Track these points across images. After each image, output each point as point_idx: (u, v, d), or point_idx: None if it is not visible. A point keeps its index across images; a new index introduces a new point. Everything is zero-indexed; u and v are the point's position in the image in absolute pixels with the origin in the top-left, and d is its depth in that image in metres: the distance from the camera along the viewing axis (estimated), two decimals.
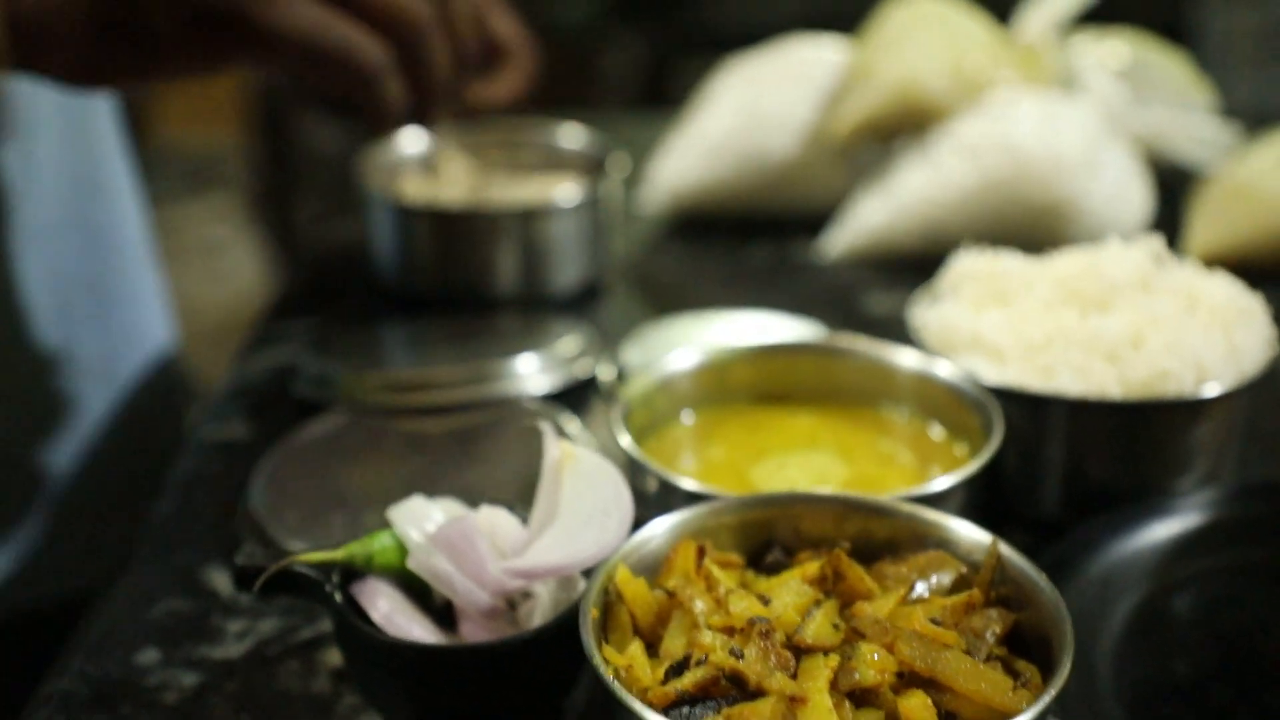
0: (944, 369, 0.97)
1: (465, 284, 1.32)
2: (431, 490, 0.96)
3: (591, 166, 1.43)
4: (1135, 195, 1.44)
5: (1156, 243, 1.03)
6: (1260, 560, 0.92)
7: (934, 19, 1.54)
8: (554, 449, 0.84)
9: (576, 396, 1.14)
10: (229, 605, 0.92)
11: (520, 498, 0.96)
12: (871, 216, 1.45)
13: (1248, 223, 1.39)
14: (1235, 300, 0.99)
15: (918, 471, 0.94)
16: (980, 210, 1.40)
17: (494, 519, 0.81)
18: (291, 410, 1.15)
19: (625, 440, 0.91)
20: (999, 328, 1.00)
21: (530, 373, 1.12)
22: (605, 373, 1.16)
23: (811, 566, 0.77)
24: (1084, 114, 1.43)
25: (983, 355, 0.99)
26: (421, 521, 0.81)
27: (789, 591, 0.75)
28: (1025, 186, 1.39)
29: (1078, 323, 0.97)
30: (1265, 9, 2.89)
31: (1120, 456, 0.95)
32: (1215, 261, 1.37)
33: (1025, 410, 0.95)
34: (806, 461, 0.95)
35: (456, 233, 1.31)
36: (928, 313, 1.05)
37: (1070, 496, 0.98)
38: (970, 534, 0.79)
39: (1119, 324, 0.96)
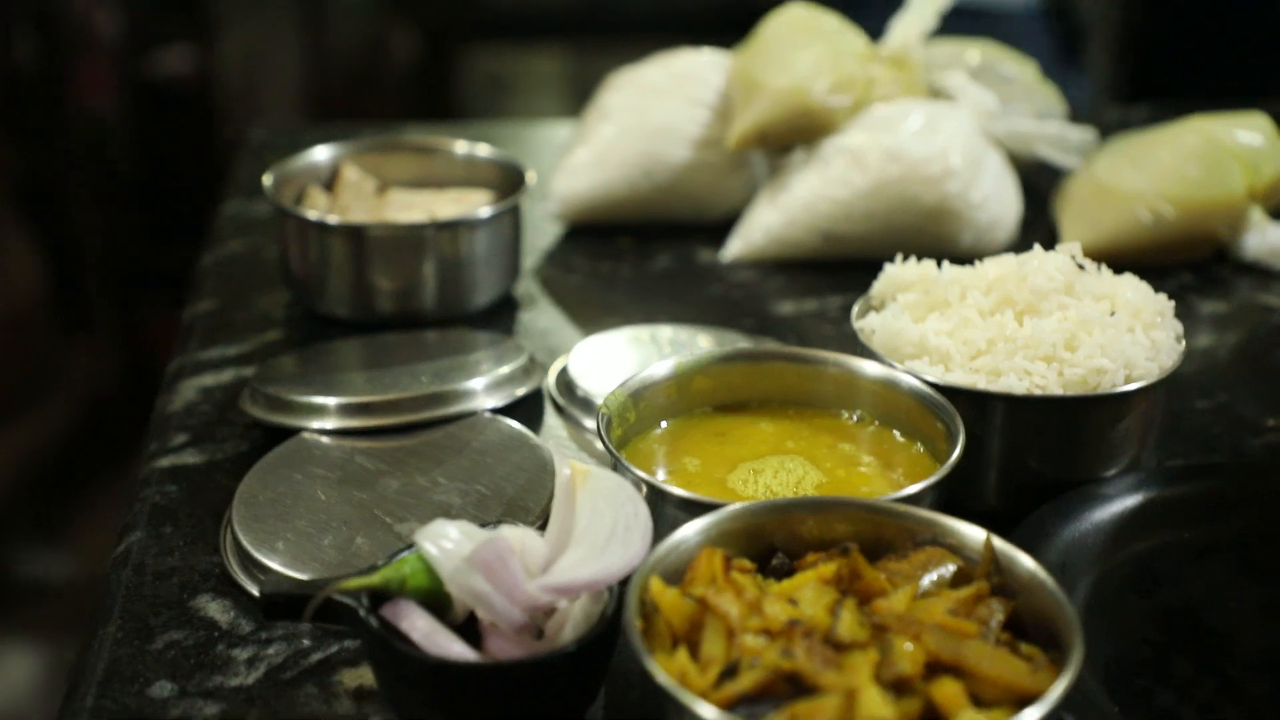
0: (900, 375, 1.04)
1: (390, 301, 1.34)
2: (413, 509, 0.99)
3: (491, 179, 1.46)
4: (1009, 197, 1.53)
5: (1075, 249, 1.11)
6: (1191, 539, 1.01)
7: (812, 29, 1.61)
8: (565, 468, 0.87)
9: (522, 410, 1.17)
10: (231, 633, 0.93)
11: (509, 512, 1.00)
12: (768, 221, 1.51)
13: (1111, 220, 1.50)
14: (1149, 301, 1.09)
15: (883, 473, 1.01)
16: (872, 213, 1.48)
17: (520, 538, 0.85)
18: (239, 434, 1.16)
19: (615, 453, 0.96)
20: (940, 333, 1.07)
21: (482, 389, 1.15)
22: (553, 387, 1.20)
23: (827, 568, 0.83)
24: (962, 120, 1.52)
25: (928, 359, 1.06)
26: (441, 541, 0.84)
27: (811, 593, 0.81)
28: (914, 189, 1.47)
29: (1015, 327, 1.05)
30: None
31: (1057, 449, 1.04)
32: (1087, 257, 1.48)
33: (971, 409, 1.02)
34: (780, 467, 1.01)
35: (380, 250, 1.33)
36: (870, 320, 1.11)
37: (1009, 488, 1.06)
38: (962, 529, 0.85)
39: (1053, 327, 1.04)
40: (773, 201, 1.52)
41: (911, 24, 1.62)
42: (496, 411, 1.14)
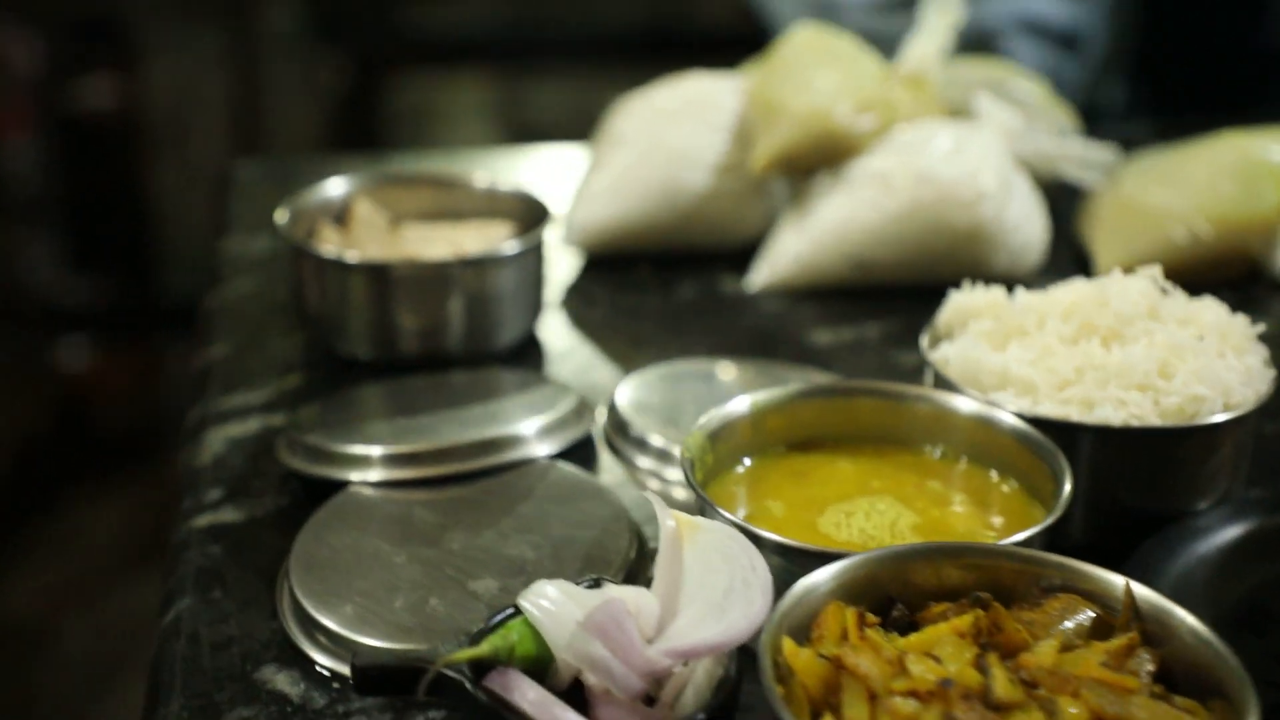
0: (997, 410, 0.99)
1: (414, 340, 1.28)
2: (486, 565, 0.93)
3: (507, 211, 1.40)
4: (1038, 218, 1.50)
5: (1155, 272, 1.07)
6: None
7: (828, 52, 1.57)
8: (668, 519, 0.82)
9: (573, 453, 1.11)
10: (305, 707, 0.86)
11: (588, 565, 0.94)
12: (795, 248, 1.47)
13: (1145, 240, 1.46)
14: (1234, 325, 1.05)
15: (978, 513, 0.96)
16: (903, 238, 1.44)
17: (632, 598, 0.79)
18: (276, 486, 1.09)
19: (710, 501, 0.90)
20: (1023, 362, 1.02)
21: (534, 435, 1.09)
22: (604, 427, 1.14)
23: (961, 620, 0.78)
24: (991, 141, 1.48)
25: (1013, 390, 1.01)
26: (543, 603, 0.78)
27: (951, 648, 0.76)
28: (947, 213, 1.43)
29: (1104, 355, 1.00)
30: None
31: (1151, 481, 0.99)
32: None
33: (1059, 441, 0.97)
34: (870, 509, 0.96)
35: (405, 288, 1.27)
36: (943, 350, 1.07)
37: (1096, 522, 1.01)
38: (1096, 574, 0.81)
39: (1144, 354, 1.00)
40: (799, 228, 1.48)
41: (927, 43, 1.58)
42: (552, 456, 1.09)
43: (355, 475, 1.05)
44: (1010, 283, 1.44)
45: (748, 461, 1.02)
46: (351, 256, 1.28)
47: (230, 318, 1.39)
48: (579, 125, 1.99)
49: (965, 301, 1.11)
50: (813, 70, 1.52)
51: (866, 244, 1.45)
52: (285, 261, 1.40)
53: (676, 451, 1.10)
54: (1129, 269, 1.42)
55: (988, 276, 1.44)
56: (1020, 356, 1.03)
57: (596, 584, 0.82)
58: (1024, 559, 0.82)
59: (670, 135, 1.52)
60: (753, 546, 0.80)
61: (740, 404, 1.01)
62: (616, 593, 0.79)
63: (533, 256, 1.31)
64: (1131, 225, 1.49)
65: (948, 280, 1.44)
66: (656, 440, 1.12)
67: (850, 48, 1.59)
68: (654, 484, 1.11)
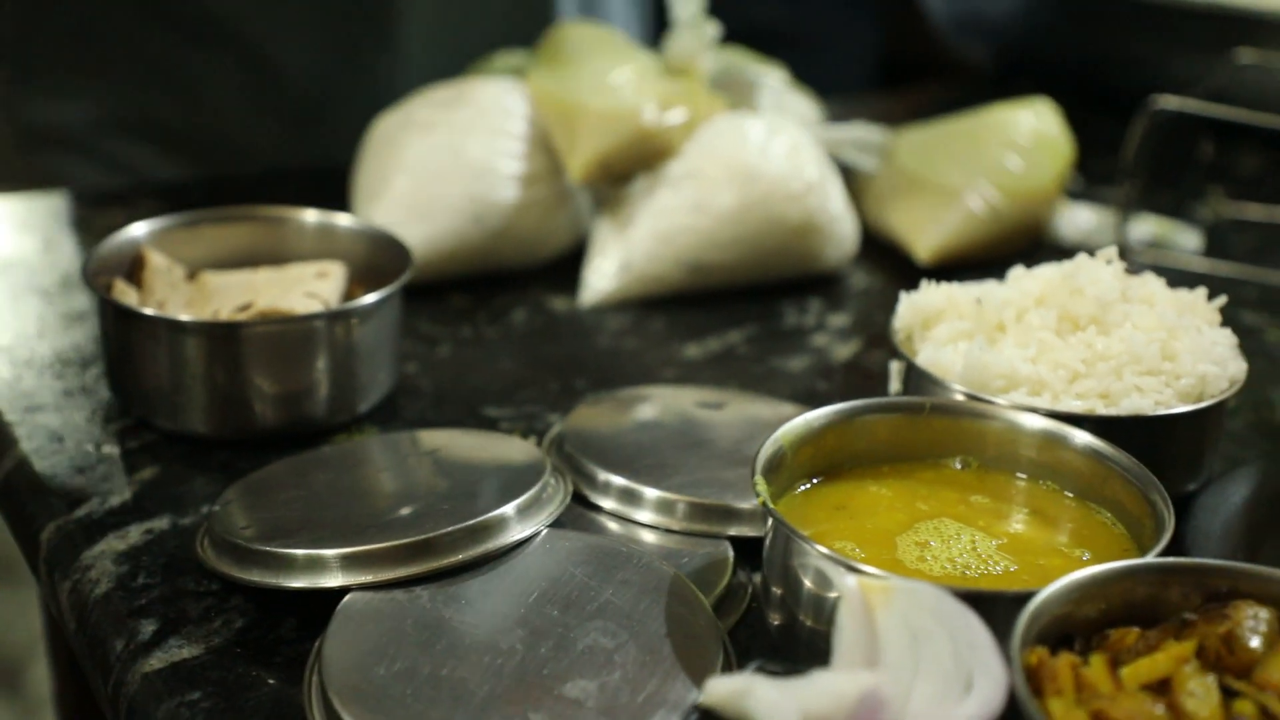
0: (1035, 416, 0.96)
1: (273, 409, 1.10)
2: (575, 665, 0.81)
3: (304, 250, 1.24)
4: (847, 206, 1.48)
5: (1111, 253, 1.07)
6: None
7: (606, 45, 1.49)
8: (849, 582, 0.73)
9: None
10: None
11: (687, 643, 0.84)
12: (626, 259, 1.38)
13: (953, 219, 1.48)
14: (1188, 299, 1.06)
15: (1047, 528, 0.92)
16: (739, 238, 1.39)
17: (856, 686, 0.70)
18: (217, 606, 0.91)
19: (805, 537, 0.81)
20: (1023, 359, 1.00)
21: (516, 512, 0.95)
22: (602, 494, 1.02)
23: (1181, 647, 0.74)
24: (795, 132, 1.45)
25: (1025, 390, 0.99)
26: (777, 709, 0.68)
27: (1197, 685, 0.72)
28: (779, 208, 1.39)
29: (1107, 344, 0.99)
30: None
31: (1179, 465, 0.99)
32: (945, 260, 1.46)
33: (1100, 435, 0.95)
34: (939, 535, 0.90)
35: (260, 349, 1.09)
36: (934, 354, 1.02)
37: None
38: (1258, 572, 0.79)
39: (1144, 339, 0.99)
40: (624, 237, 1.39)
41: (689, 33, 1.53)
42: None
43: (331, 580, 0.88)
44: (835, 275, 1.43)
45: (782, 502, 0.93)
46: (186, 318, 1.09)
47: (16, 406, 1.14)
48: None
49: (922, 301, 1.07)
50: (605, 68, 1.44)
51: (700, 246, 1.38)
52: (92, 326, 1.18)
53: (644, 490, 1.00)
54: (945, 248, 1.45)
55: (819, 269, 1.42)
56: (1021, 354, 1.00)
57: (771, 671, 0.72)
58: (1192, 570, 0.79)
59: (467, 148, 1.39)
60: (962, 605, 0.73)
61: (772, 443, 0.92)
62: (833, 681, 0.70)
63: (394, 304, 1.15)
64: (931, 204, 1.50)
65: (783, 277, 1.41)
66: (619, 481, 1.01)
67: (622, 41, 1.52)
68: (615, 526, 1.00)
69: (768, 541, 0.88)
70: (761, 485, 0.87)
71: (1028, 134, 1.55)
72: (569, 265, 1.42)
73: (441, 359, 1.26)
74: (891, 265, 1.48)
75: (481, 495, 0.94)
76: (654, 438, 1.09)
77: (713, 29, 1.51)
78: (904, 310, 1.08)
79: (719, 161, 1.39)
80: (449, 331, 1.31)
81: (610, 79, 1.42)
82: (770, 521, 0.86)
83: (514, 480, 0.96)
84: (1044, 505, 0.94)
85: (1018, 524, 0.93)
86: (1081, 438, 0.94)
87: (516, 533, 0.92)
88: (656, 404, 1.15)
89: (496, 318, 1.34)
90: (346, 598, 0.87)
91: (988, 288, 1.08)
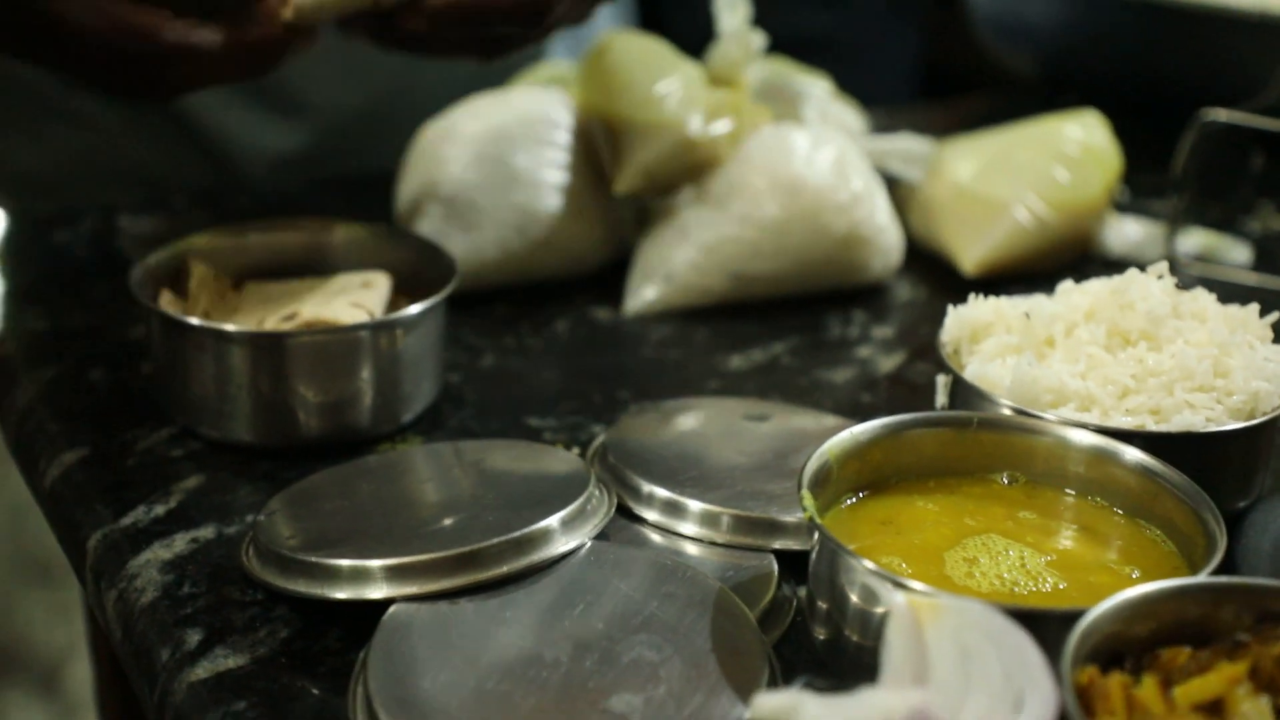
0: (1086, 432, 0.95)
1: (317, 419, 1.11)
2: (621, 678, 0.81)
3: (339, 262, 1.25)
4: (893, 218, 1.47)
5: (1164, 267, 1.06)
6: None
7: (653, 57, 1.48)
8: (898, 599, 0.73)
9: None
10: None
11: (732, 657, 0.83)
12: (671, 268, 1.38)
13: (999, 230, 1.47)
14: (1240, 314, 1.05)
15: (1097, 545, 0.91)
16: (783, 249, 1.38)
17: (907, 704, 0.69)
18: (261, 616, 0.91)
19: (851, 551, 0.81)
20: (1072, 374, 0.99)
21: (560, 524, 0.94)
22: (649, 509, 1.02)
23: (1232, 668, 0.73)
24: (841, 142, 1.44)
25: (1074, 405, 0.98)
26: (795, 717, 0.68)
27: (1247, 704, 0.71)
28: (825, 219, 1.38)
29: (1159, 360, 0.98)
30: None
31: (1227, 483, 0.98)
32: (992, 273, 1.45)
33: (1151, 451, 0.94)
34: (986, 551, 0.89)
35: (306, 359, 1.09)
36: (982, 368, 1.01)
37: None
38: None
39: (1196, 355, 0.98)
40: (669, 247, 1.39)
41: (734, 44, 1.52)
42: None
43: (376, 592, 0.88)
44: (880, 286, 1.43)
45: (832, 515, 0.93)
46: (232, 328, 1.10)
47: (62, 417, 1.15)
48: None
49: (970, 314, 1.07)
50: (650, 79, 1.43)
51: (745, 257, 1.38)
52: (135, 336, 1.19)
53: (688, 503, 1.00)
54: (991, 260, 1.44)
55: (864, 281, 1.42)
56: (1070, 370, 0.99)
57: (818, 687, 0.72)
58: (1246, 590, 0.78)
59: (514, 158, 1.39)
60: (1011, 624, 0.72)
61: (818, 457, 0.91)
62: (882, 698, 0.69)
63: (439, 314, 1.16)
64: (978, 216, 1.48)
65: (827, 288, 1.40)
66: (663, 494, 1.01)
67: (668, 51, 1.51)
68: (659, 538, 1.00)
69: (813, 556, 0.87)
70: (808, 499, 0.87)
71: (1075, 146, 1.53)
72: (612, 275, 1.42)
73: (485, 369, 1.26)
74: (937, 277, 1.47)
75: (526, 507, 0.94)
76: (698, 450, 1.09)
77: (758, 39, 1.51)
78: (951, 323, 1.07)
79: (764, 173, 1.39)
80: (492, 341, 1.31)
81: (656, 90, 1.41)
82: (816, 536, 0.86)
83: (558, 492, 0.96)
84: (1093, 522, 0.93)
85: (1066, 540, 0.92)
86: (1132, 454, 0.93)
87: (561, 545, 0.92)
88: (700, 415, 1.15)
89: (540, 328, 1.34)
90: (391, 609, 0.86)
91: (1036, 301, 1.07)
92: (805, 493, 0.87)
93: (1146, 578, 0.87)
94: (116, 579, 0.96)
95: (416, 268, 1.23)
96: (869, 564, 0.80)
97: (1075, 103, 1.69)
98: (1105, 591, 0.78)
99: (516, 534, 0.90)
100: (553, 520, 0.92)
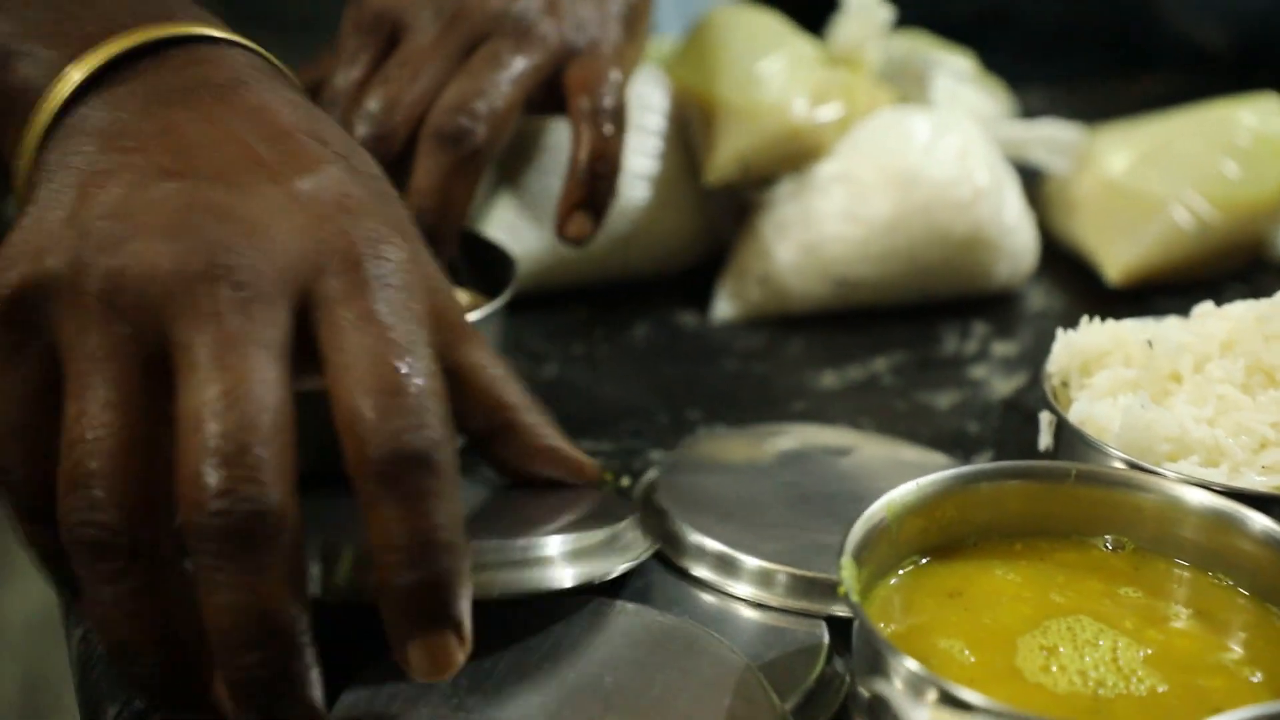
0: (1200, 491, 0.78)
1: None
2: None
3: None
4: (1027, 216, 1.30)
5: None
6: None
7: (761, 34, 1.33)
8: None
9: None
10: None
11: None
12: (766, 271, 1.23)
13: (1153, 232, 1.28)
14: None
15: (1211, 632, 0.75)
16: (893, 250, 1.22)
17: None
18: None
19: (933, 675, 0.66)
20: (1201, 421, 0.82)
21: (565, 555, 0.81)
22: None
23: None
24: (969, 130, 1.27)
25: (1200, 460, 0.80)
26: None
27: None
28: (942, 218, 1.22)
29: None
30: None
31: None
32: (1141, 282, 1.27)
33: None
34: (1072, 639, 0.73)
35: None
36: (1087, 408, 0.85)
37: None
38: None
39: None
40: (765, 246, 1.24)
41: (860, 16, 1.36)
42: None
43: None
44: (1007, 295, 1.26)
45: (884, 584, 0.78)
46: None
47: None
48: None
49: (1082, 341, 0.90)
50: (752, 58, 1.28)
51: (849, 260, 1.22)
52: None
53: (738, 557, 0.86)
54: (1141, 267, 1.25)
55: (986, 290, 1.25)
56: (1195, 414, 0.82)
57: None
58: None
59: None
60: None
61: (874, 514, 0.76)
62: None
63: (498, 321, 1.03)
64: (1128, 215, 1.30)
65: (944, 296, 1.24)
66: (712, 545, 0.87)
67: (780, 26, 1.36)
68: (701, 594, 0.86)
69: (855, 636, 0.73)
70: (849, 571, 0.72)
71: (1249, 135, 1.33)
72: (701, 276, 1.28)
73: (545, 379, 1.14)
74: (1076, 286, 1.30)
75: (533, 534, 0.80)
76: (762, 490, 0.94)
77: (885, 12, 1.34)
78: (1059, 351, 0.90)
79: (874, 163, 1.23)
80: (559, 348, 1.18)
81: (757, 69, 1.26)
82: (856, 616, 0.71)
83: (577, 524, 0.82)
84: (1212, 605, 0.76)
85: (1175, 627, 0.75)
86: (1261, 522, 0.75)
87: (558, 580, 0.78)
88: (772, 446, 1.00)
89: (614, 333, 1.21)
90: (342, 698, 0.74)
91: (1166, 327, 0.89)
92: (846, 561, 0.72)
93: (1272, 682, 0.70)
94: (85, 618, 0.86)
95: (478, 268, 1.10)
96: (909, 662, 0.65)
97: (1271, 84, 1.48)
98: (1217, 700, 0.64)
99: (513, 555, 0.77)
100: (549, 545, 0.78)
